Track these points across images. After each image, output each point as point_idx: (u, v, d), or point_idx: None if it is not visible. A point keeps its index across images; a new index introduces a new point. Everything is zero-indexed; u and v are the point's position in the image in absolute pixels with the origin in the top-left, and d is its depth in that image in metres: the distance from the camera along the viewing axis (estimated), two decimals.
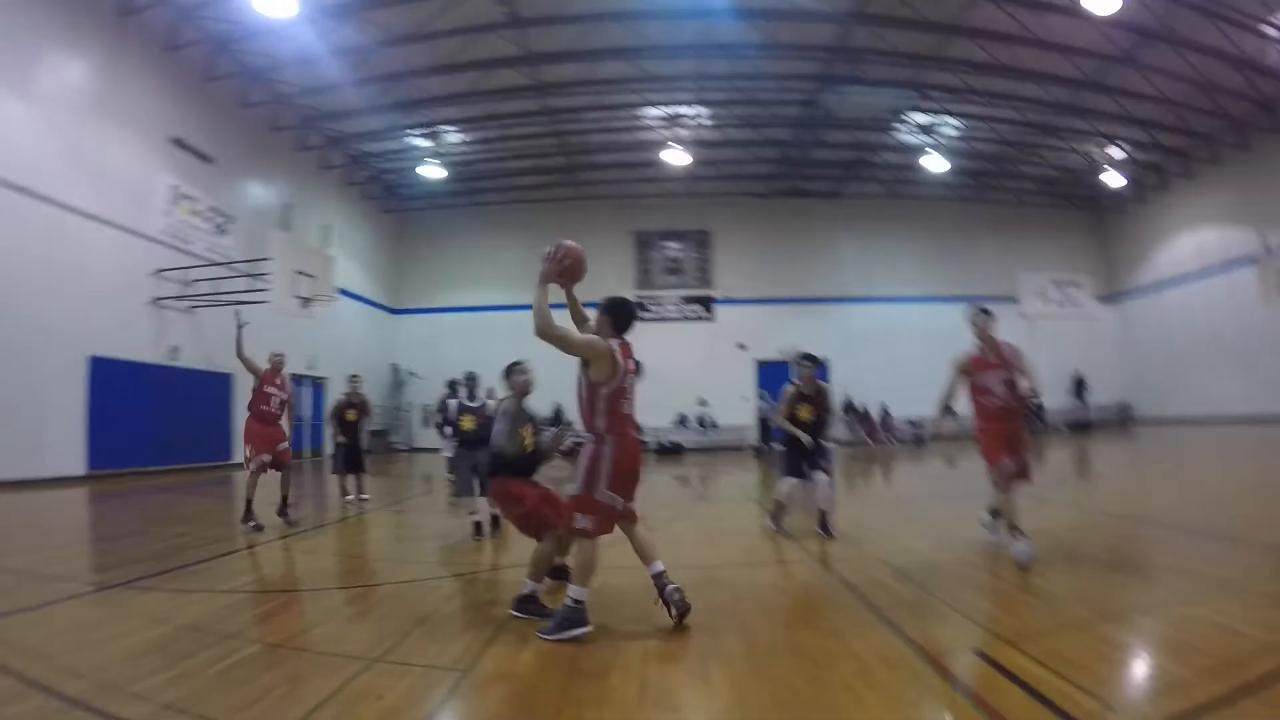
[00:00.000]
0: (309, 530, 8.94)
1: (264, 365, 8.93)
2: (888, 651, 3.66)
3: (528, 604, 4.49)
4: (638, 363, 4.60)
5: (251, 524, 8.21)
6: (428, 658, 3.85)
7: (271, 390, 8.84)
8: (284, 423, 9.01)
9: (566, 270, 4.35)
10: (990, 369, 5.86)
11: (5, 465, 12.28)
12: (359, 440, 11.17)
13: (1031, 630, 3.97)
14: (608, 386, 4.27)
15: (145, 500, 11.33)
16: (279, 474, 8.85)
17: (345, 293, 20.98)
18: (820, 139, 23.78)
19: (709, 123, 21.85)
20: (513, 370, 5.82)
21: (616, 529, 4.43)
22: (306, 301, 16.02)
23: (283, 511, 8.69)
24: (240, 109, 19.33)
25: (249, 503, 8.33)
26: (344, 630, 4.60)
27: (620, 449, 4.32)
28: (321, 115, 21.47)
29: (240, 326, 9.14)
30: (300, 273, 16.06)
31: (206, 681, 3.53)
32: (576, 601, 4.09)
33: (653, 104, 20.66)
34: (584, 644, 3.93)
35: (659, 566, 4.38)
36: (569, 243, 4.32)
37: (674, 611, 4.20)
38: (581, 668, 3.60)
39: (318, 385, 23.00)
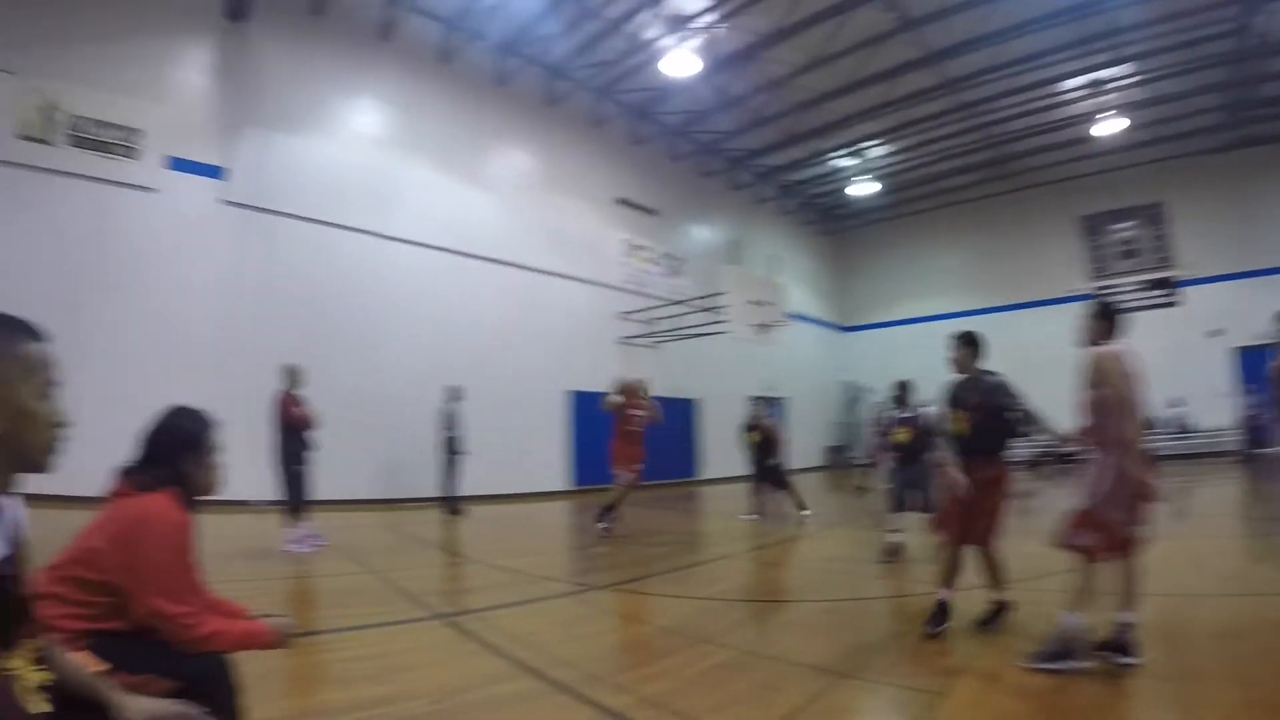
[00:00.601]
0: (766, 544, 9.19)
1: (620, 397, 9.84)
2: None
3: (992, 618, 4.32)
4: (1138, 367, 4.04)
5: (603, 525, 9.27)
6: (898, 677, 3.73)
7: (635, 412, 9.76)
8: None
9: None
10: None
11: (506, 481, 15.00)
12: (766, 459, 11.37)
13: None
14: (1108, 396, 3.87)
15: (621, 514, 12.35)
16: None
17: (795, 316, 21.47)
18: (1264, 71, 18.29)
19: (1133, 81, 18.36)
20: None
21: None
22: (761, 328, 16.65)
23: None
24: (670, 162, 21.37)
25: (610, 507, 9.52)
26: (813, 642, 4.53)
27: (1125, 462, 3.81)
28: (745, 154, 22.71)
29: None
30: (753, 302, 16.69)
31: (683, 681, 3.73)
32: (1072, 630, 3.67)
33: (1069, 75, 18.01)
34: (1064, 679, 3.49)
35: (1129, 617, 3.72)
36: None
37: (1113, 663, 3.61)
38: (1059, 704, 3.23)
39: (772, 406, 23.85)
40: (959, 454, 4.59)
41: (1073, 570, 3.86)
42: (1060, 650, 3.62)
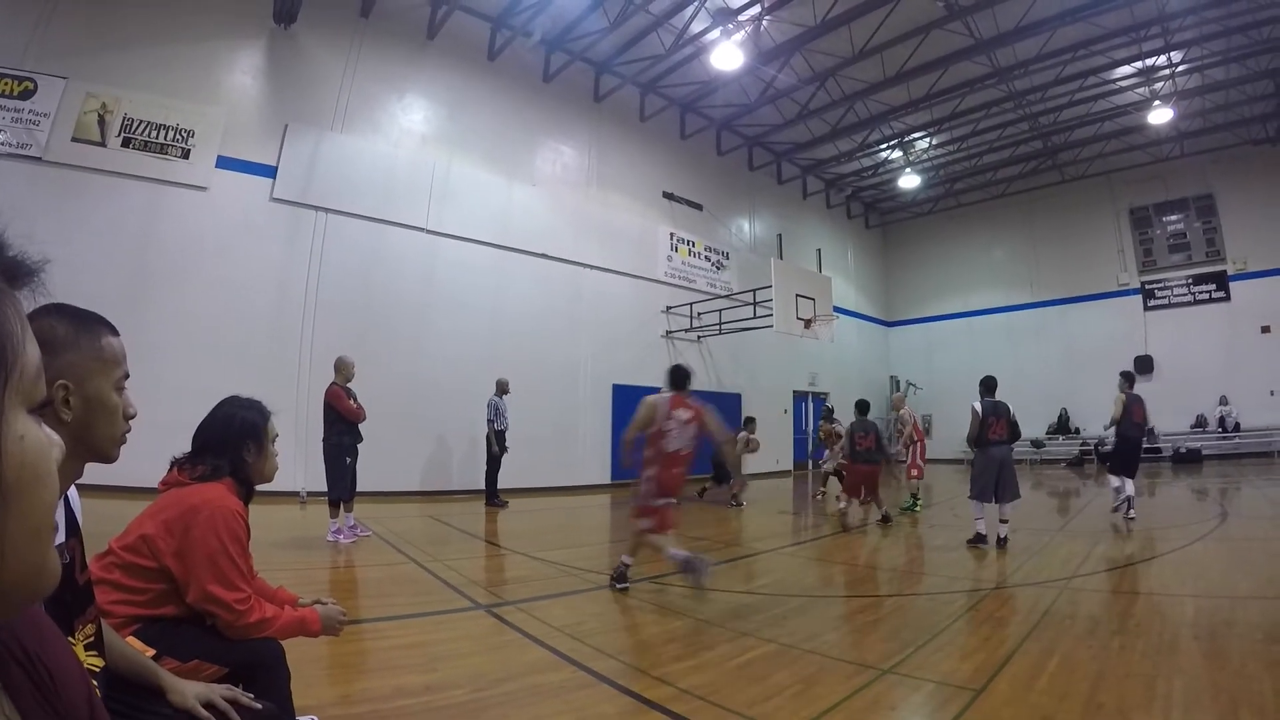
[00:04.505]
0: (816, 538, 9.27)
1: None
2: None
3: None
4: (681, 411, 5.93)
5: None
6: (940, 673, 3.71)
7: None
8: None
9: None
10: None
11: (548, 475, 15.20)
12: None
13: None
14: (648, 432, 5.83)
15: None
16: None
17: (839, 310, 21.34)
18: None
19: (1184, 69, 17.71)
20: None
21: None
22: (808, 323, 16.56)
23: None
24: (717, 157, 21.37)
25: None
26: (857, 638, 4.59)
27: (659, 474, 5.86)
28: (791, 148, 22.60)
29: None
30: (799, 296, 16.66)
31: (724, 673, 3.76)
32: (625, 565, 5.98)
33: (1120, 62, 17.47)
34: (1105, 675, 3.54)
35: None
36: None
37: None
38: (1100, 701, 3.21)
39: (819, 400, 23.92)
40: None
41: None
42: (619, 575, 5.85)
